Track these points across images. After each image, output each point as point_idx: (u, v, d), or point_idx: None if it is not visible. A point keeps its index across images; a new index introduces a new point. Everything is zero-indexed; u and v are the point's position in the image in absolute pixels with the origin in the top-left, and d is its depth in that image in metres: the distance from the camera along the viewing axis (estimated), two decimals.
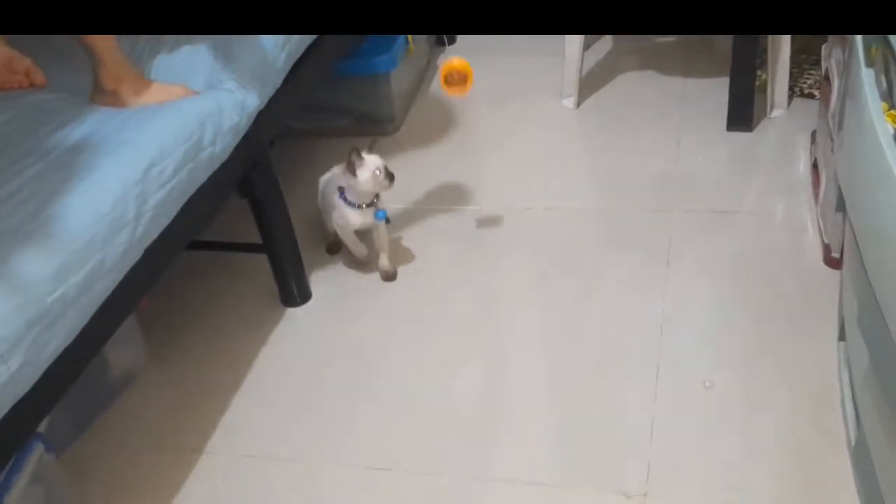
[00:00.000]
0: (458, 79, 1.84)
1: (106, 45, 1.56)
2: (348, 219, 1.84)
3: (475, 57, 2.78)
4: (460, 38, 2.90)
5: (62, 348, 1.22)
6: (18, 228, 1.24)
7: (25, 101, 1.58)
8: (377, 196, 1.83)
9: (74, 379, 1.30)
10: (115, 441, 1.64)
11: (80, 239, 1.25)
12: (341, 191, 1.83)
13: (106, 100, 1.60)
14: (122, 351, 1.73)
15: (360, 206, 1.82)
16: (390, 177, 1.78)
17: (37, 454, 1.28)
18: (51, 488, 1.32)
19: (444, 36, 2.86)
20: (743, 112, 2.22)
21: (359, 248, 1.92)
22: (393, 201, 2.17)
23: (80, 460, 1.59)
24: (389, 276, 1.92)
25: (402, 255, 2.00)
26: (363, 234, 1.93)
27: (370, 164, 1.76)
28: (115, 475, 1.57)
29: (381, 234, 1.90)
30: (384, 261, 1.92)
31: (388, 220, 1.87)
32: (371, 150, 1.82)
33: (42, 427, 1.30)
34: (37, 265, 1.19)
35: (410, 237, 2.05)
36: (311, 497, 1.48)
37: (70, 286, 1.21)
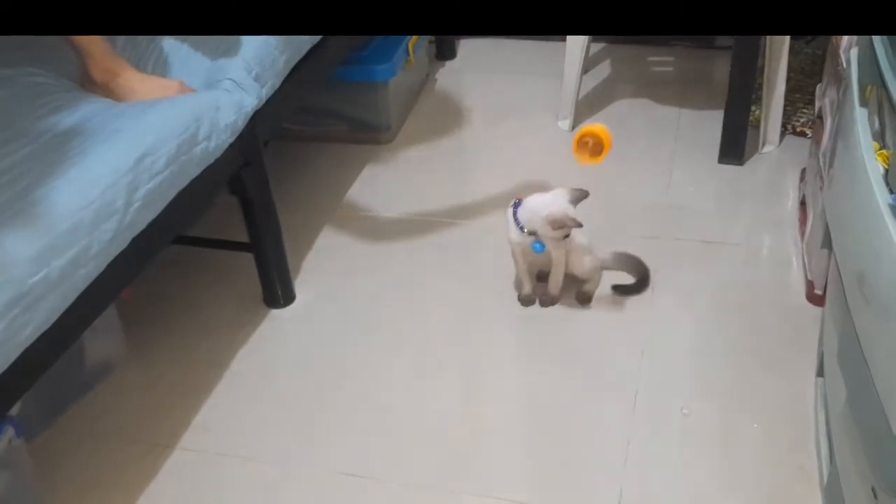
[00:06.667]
0: (593, 146, 1.69)
1: (90, 39, 1.53)
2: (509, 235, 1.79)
3: (475, 75, 2.84)
4: (461, 54, 2.92)
5: (40, 332, 1.20)
6: (4, 208, 1.23)
7: (21, 83, 1.57)
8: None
9: (50, 365, 1.29)
10: (86, 431, 1.62)
11: (66, 223, 1.24)
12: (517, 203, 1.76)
13: (97, 91, 1.59)
14: (101, 341, 1.71)
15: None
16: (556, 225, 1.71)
17: (6, 438, 1.26)
18: (17, 474, 1.30)
19: (446, 49, 2.87)
20: (735, 146, 2.24)
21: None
22: (382, 211, 2.18)
23: (49, 448, 1.57)
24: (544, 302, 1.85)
25: (389, 265, 2.00)
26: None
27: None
28: (85, 466, 1.55)
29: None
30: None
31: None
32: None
33: (13, 412, 1.29)
34: (20, 246, 1.18)
35: (398, 248, 2.05)
36: (281, 499, 1.47)
37: (53, 269, 1.20)
